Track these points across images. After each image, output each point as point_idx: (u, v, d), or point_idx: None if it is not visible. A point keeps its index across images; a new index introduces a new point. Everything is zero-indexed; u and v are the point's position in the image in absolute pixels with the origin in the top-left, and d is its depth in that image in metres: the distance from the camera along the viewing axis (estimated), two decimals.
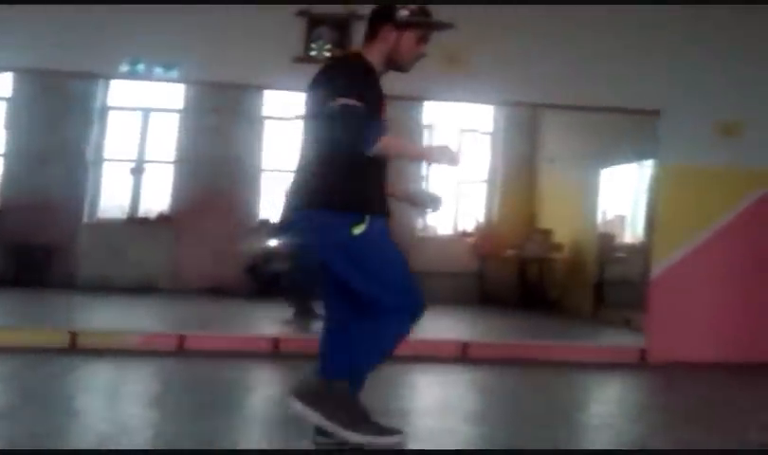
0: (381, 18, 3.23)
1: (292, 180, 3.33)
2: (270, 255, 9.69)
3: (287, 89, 7.79)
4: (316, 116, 3.15)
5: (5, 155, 10.36)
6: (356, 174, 3.06)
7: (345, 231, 3.03)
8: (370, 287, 3.08)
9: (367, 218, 3.06)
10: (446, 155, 3.08)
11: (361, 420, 3.08)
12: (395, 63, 3.26)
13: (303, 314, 7.18)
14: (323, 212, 3.07)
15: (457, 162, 3.10)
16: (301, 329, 6.86)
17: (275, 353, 5.70)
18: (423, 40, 3.25)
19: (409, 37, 3.21)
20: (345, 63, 3.26)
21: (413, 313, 3.12)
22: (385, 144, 3.03)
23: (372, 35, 3.25)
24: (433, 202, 3.45)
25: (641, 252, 7.65)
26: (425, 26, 3.24)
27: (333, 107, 3.02)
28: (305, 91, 3.23)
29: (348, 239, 3.04)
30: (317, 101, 3.13)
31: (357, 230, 3.03)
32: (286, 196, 7.28)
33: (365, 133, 3.00)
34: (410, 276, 3.15)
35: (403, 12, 3.19)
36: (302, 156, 3.25)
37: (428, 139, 11.02)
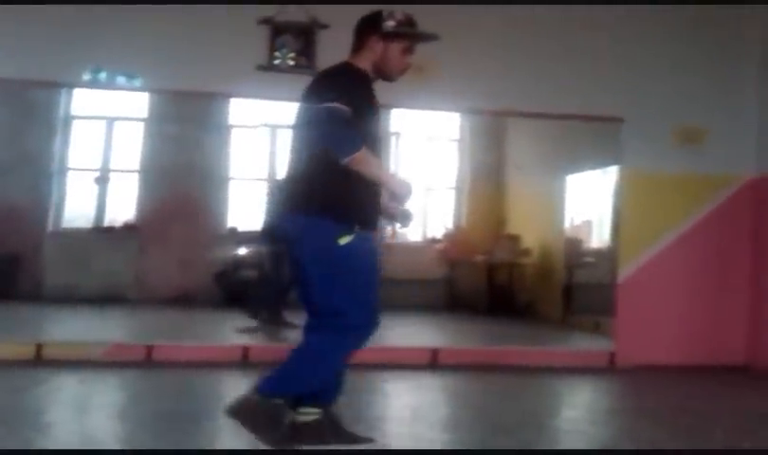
0: (368, 28, 3.23)
1: (279, 187, 3.32)
2: (239, 263, 9.64)
3: (252, 97, 7.79)
4: (306, 122, 3.12)
5: None
6: (351, 183, 3.01)
7: (331, 239, 3.01)
8: (339, 300, 3.05)
9: (356, 230, 3.04)
10: (404, 194, 3.13)
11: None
12: (383, 73, 3.25)
13: (272, 322, 7.16)
14: (314, 218, 3.05)
15: (406, 201, 3.16)
16: (269, 337, 6.84)
17: (244, 361, 5.66)
18: (408, 51, 3.24)
19: (395, 48, 3.20)
20: (337, 71, 3.21)
21: (371, 332, 3.13)
22: (360, 158, 2.96)
23: (359, 45, 3.25)
24: (403, 217, 3.43)
25: (608, 257, 7.73)
26: (411, 37, 3.23)
27: (318, 110, 3.00)
28: (299, 101, 3.21)
29: (332, 247, 3.02)
30: (307, 109, 3.11)
31: (343, 241, 3.02)
32: (272, 203, 7.28)
33: (345, 139, 2.97)
34: (376, 295, 3.15)
35: (389, 23, 3.18)
36: (291, 165, 3.22)
37: (395, 148, 11.06)
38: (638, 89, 6.20)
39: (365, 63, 3.22)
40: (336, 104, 2.95)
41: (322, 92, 3.04)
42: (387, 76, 3.26)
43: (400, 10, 3.23)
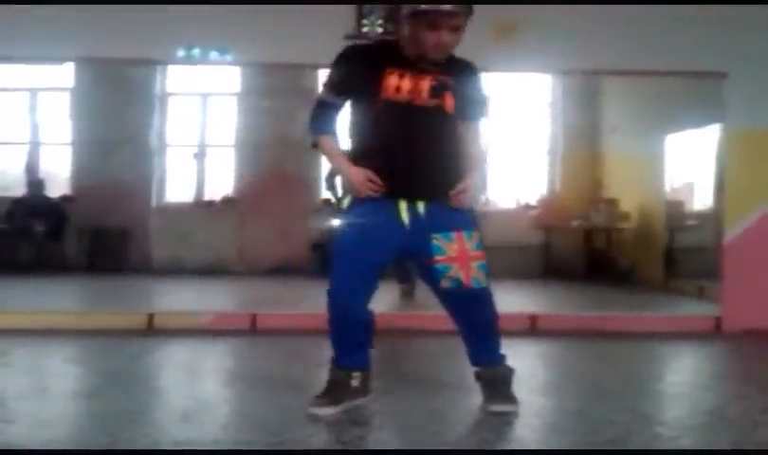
0: (399, 8, 3.22)
1: None
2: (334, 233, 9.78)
3: None
4: None
5: (72, 144, 10.68)
6: (356, 155, 3.30)
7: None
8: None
9: (349, 198, 3.29)
10: (349, 189, 3.29)
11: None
12: (419, 52, 3.14)
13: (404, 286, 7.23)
14: None
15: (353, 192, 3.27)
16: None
17: None
18: (434, 26, 3.02)
19: (418, 26, 3.06)
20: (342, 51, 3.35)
21: (336, 302, 3.32)
22: (320, 144, 3.37)
23: (397, 22, 3.37)
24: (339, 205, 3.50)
25: (712, 219, 7.47)
26: (424, 12, 3.02)
27: None
28: None
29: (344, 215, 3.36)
30: None
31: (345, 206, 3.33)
32: None
33: (311, 122, 3.34)
34: (351, 266, 3.26)
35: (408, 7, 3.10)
36: None
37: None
38: (743, 41, 5.88)
39: (403, 40, 3.19)
40: (322, 86, 3.30)
41: None
42: (422, 54, 3.13)
43: None
